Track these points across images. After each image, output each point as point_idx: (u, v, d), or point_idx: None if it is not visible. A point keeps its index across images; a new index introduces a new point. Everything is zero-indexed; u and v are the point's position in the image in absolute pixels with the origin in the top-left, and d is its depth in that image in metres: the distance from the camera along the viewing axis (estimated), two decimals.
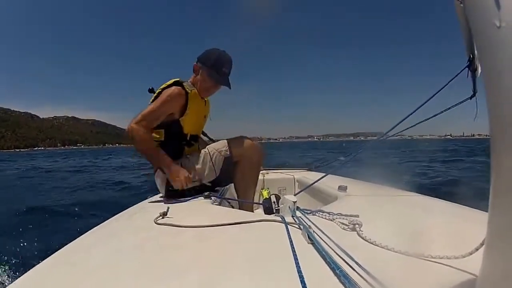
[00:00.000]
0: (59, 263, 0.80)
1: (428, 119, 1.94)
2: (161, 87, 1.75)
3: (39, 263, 0.78)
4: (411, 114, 1.79)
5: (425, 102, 1.71)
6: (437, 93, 1.73)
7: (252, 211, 1.55)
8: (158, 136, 1.73)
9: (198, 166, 1.69)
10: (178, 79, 1.77)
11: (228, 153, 1.69)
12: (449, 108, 2.03)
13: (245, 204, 1.72)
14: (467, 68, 1.66)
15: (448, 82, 1.70)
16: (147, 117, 1.62)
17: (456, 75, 1.68)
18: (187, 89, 1.72)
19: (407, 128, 1.96)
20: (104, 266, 0.74)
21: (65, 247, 0.92)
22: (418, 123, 1.89)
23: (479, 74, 1.59)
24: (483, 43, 0.35)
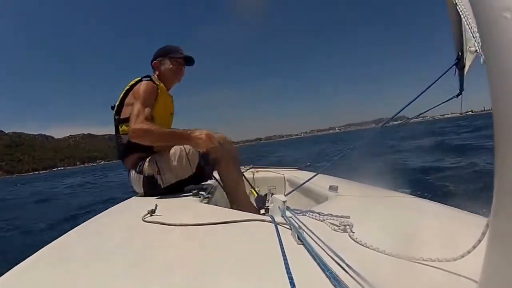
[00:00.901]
0: (44, 260, 0.78)
1: (419, 115, 1.95)
2: (130, 83, 1.82)
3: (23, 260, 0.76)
4: (401, 110, 1.80)
5: (415, 99, 1.72)
6: (426, 90, 1.74)
7: (257, 211, 1.49)
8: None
9: (174, 163, 1.66)
10: (144, 75, 1.86)
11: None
12: (435, 106, 2.05)
13: (241, 204, 1.69)
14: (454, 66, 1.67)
15: (436, 80, 1.70)
16: (140, 115, 1.63)
17: (444, 73, 1.69)
18: (156, 82, 1.81)
19: (402, 122, 1.97)
20: (90, 263, 0.72)
21: (50, 243, 0.90)
22: (411, 118, 1.91)
23: (466, 72, 1.58)
24: (490, 37, 0.32)
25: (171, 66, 1.90)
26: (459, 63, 1.62)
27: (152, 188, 1.68)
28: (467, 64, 1.50)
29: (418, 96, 1.79)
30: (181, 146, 1.68)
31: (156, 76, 1.91)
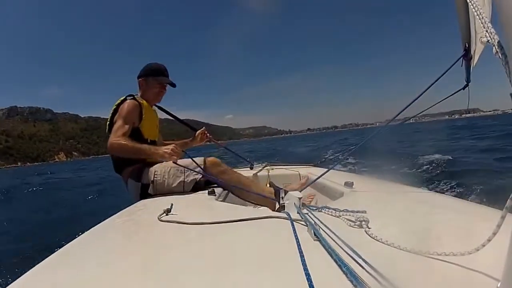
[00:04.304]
0: (63, 260, 0.78)
1: (424, 110, 1.88)
2: (116, 103, 1.90)
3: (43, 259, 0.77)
4: (410, 104, 1.73)
5: (423, 92, 1.65)
6: (433, 83, 1.67)
7: (273, 208, 1.47)
8: None
9: (169, 180, 1.73)
10: (130, 94, 1.95)
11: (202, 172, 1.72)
12: (441, 101, 1.96)
13: (256, 199, 1.68)
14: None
15: (444, 72, 1.63)
16: (119, 131, 1.75)
17: (452, 65, 1.61)
18: (139, 101, 1.90)
19: (407, 119, 1.90)
20: (108, 264, 0.72)
21: (69, 243, 0.90)
22: (419, 114, 1.83)
23: (474, 64, 1.49)
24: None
25: (153, 88, 1.97)
26: (467, 54, 1.54)
27: (145, 195, 1.74)
28: (476, 55, 1.41)
29: (425, 90, 1.72)
30: (181, 168, 1.74)
31: (140, 93, 2.00)
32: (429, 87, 1.70)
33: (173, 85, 2.04)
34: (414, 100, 1.79)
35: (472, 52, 1.47)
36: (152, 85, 1.97)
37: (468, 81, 1.65)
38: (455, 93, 1.83)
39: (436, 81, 1.65)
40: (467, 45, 1.50)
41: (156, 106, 2.12)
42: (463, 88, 1.71)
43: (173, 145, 1.72)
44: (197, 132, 2.25)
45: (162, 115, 2.26)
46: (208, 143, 2.36)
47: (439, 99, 1.77)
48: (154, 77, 1.97)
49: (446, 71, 1.59)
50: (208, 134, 2.28)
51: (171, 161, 1.80)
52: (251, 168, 2.59)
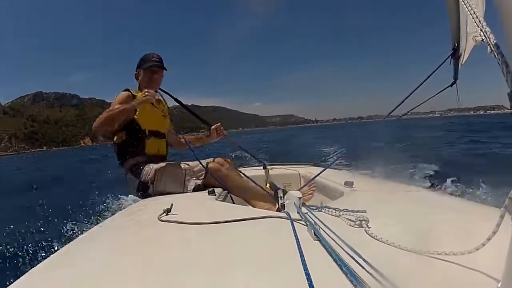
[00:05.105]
0: (65, 259, 0.77)
1: (415, 107, 1.90)
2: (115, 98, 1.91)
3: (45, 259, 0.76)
4: (403, 100, 1.75)
5: (415, 89, 1.68)
6: (424, 81, 1.69)
7: (273, 208, 1.44)
8: (120, 137, 1.83)
9: (169, 181, 1.72)
10: (125, 88, 1.95)
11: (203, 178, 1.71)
12: (430, 98, 1.99)
13: (255, 201, 1.66)
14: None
15: (433, 72, 1.65)
16: (103, 114, 1.74)
17: (441, 64, 1.63)
18: (133, 93, 1.88)
19: (404, 114, 1.92)
20: (108, 263, 0.71)
21: (70, 243, 0.89)
22: (411, 110, 1.85)
23: (464, 61, 1.51)
24: None
25: (144, 77, 1.95)
26: (456, 53, 1.56)
27: (144, 193, 1.73)
28: (466, 54, 1.43)
29: (417, 88, 1.74)
30: (183, 170, 1.72)
31: (138, 86, 1.99)
32: (420, 85, 1.72)
33: (161, 67, 1.97)
34: (406, 98, 1.80)
35: (461, 50, 1.49)
36: (142, 75, 1.96)
37: (455, 78, 1.67)
38: (442, 90, 1.85)
39: (426, 79, 1.67)
40: (456, 44, 1.53)
41: (160, 89, 2.04)
42: (451, 85, 1.73)
43: (146, 89, 1.73)
44: (212, 128, 2.16)
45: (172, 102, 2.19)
46: (224, 138, 2.25)
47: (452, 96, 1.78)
48: (143, 65, 1.96)
49: (436, 69, 1.61)
50: (223, 130, 2.19)
51: (171, 162, 1.79)
52: (264, 168, 2.46)
